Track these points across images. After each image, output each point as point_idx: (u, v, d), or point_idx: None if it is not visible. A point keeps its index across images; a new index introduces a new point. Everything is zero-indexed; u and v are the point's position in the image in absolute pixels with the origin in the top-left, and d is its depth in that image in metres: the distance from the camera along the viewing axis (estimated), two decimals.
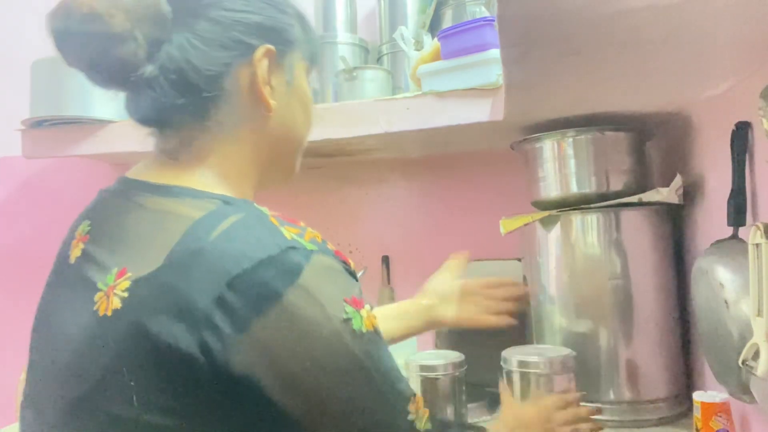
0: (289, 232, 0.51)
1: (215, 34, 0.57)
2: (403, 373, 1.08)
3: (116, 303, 0.48)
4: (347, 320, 0.51)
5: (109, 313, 0.48)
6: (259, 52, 0.59)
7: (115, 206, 0.56)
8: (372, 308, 0.55)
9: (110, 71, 0.56)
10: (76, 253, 0.54)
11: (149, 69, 0.55)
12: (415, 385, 1.07)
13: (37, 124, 1.37)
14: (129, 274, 0.49)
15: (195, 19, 0.56)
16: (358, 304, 0.53)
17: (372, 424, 0.53)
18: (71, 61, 0.56)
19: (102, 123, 1.33)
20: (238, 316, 0.46)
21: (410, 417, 0.55)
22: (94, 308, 0.49)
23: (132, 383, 0.47)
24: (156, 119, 0.59)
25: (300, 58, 0.64)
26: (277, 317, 0.47)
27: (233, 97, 0.59)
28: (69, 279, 0.55)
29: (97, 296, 0.49)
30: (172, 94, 0.56)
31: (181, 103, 0.56)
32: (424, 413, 0.57)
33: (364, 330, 0.52)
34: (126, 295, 0.48)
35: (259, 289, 0.47)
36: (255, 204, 0.55)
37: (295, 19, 0.64)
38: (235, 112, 0.59)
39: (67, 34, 0.54)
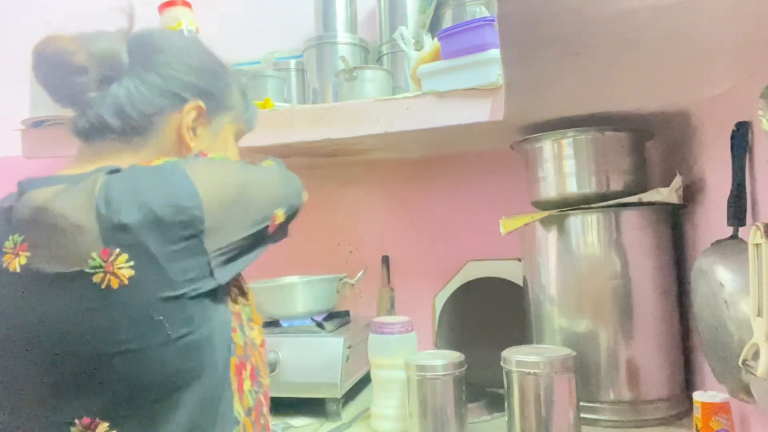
0: None
1: (158, 85, 0.73)
2: (404, 373, 1.09)
3: (129, 272, 0.58)
4: (214, 159, 0.73)
5: (126, 282, 0.58)
6: (189, 105, 0.75)
7: (41, 209, 0.63)
8: None
9: (64, 92, 0.72)
10: (20, 261, 0.61)
11: (93, 95, 0.71)
12: (414, 386, 1.07)
13: (37, 124, 1.37)
14: (117, 251, 0.58)
15: (146, 71, 0.73)
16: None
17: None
18: (39, 80, 0.72)
19: None
20: (194, 205, 0.62)
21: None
22: (102, 287, 0.58)
23: (160, 317, 0.59)
24: (98, 135, 0.72)
25: (231, 121, 0.82)
26: (207, 185, 0.65)
27: (160, 133, 0.74)
28: (24, 282, 0.61)
29: (97, 277, 0.58)
30: (114, 125, 0.71)
31: (120, 130, 0.72)
32: None
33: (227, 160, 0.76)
34: (132, 262, 0.58)
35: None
36: None
37: (235, 91, 0.82)
38: (158, 143, 0.74)
39: (41, 58, 0.70)
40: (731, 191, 0.90)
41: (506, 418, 1.04)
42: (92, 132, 0.72)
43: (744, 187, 0.89)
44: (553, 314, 1.15)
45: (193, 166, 0.66)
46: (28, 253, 0.61)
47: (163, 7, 1.57)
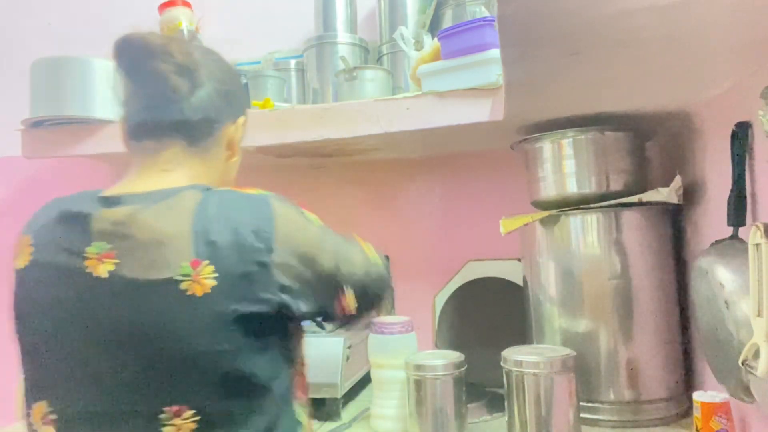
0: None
1: (225, 94, 0.81)
2: (404, 373, 1.09)
3: (211, 282, 0.65)
4: (308, 220, 0.77)
5: (209, 290, 0.65)
6: (243, 118, 0.86)
7: (131, 222, 0.69)
8: None
9: (165, 94, 0.76)
10: (106, 267, 0.67)
11: (192, 101, 0.77)
12: (414, 386, 1.07)
13: (37, 124, 1.36)
14: (205, 262, 0.65)
15: (216, 81, 0.80)
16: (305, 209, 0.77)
17: (346, 261, 0.77)
18: (126, 67, 0.76)
19: (102, 123, 1.33)
20: (268, 237, 0.68)
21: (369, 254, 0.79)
22: (188, 293, 0.65)
23: (234, 327, 0.66)
24: (167, 137, 0.77)
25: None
26: (286, 227, 0.71)
27: (218, 140, 0.81)
28: (113, 286, 0.67)
29: (185, 285, 0.65)
30: (196, 124, 0.78)
31: (197, 131, 0.78)
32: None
33: (314, 221, 0.78)
34: (216, 274, 0.65)
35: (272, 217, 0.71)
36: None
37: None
38: (216, 149, 0.82)
39: (139, 48, 0.74)
40: (731, 191, 0.90)
41: (506, 418, 1.04)
42: (170, 131, 0.77)
43: (744, 187, 0.89)
44: (553, 314, 1.15)
45: (284, 208, 0.73)
46: (116, 261, 0.67)
47: (163, 7, 1.57)
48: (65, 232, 0.71)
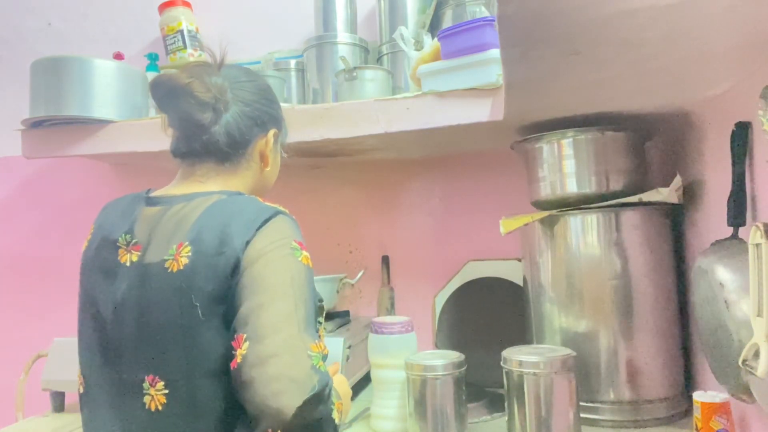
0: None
1: (252, 115, 0.88)
2: (404, 373, 1.09)
3: (185, 261, 0.74)
4: (293, 249, 0.77)
5: (181, 267, 0.74)
6: (272, 132, 0.92)
7: (158, 218, 0.80)
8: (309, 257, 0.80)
9: (191, 127, 0.85)
10: (131, 258, 0.78)
11: (216, 129, 0.85)
12: (414, 386, 1.07)
13: (37, 124, 1.37)
14: (185, 243, 0.75)
15: (243, 104, 0.87)
16: (302, 246, 0.79)
17: (278, 326, 0.71)
18: (163, 108, 0.86)
19: (101, 123, 1.33)
20: (247, 241, 0.75)
21: (310, 353, 0.72)
22: (168, 270, 0.74)
23: (197, 304, 0.73)
24: (200, 157, 0.86)
25: (281, 139, 0.97)
26: (263, 239, 0.75)
27: (249, 155, 0.89)
28: (134, 272, 0.77)
29: (167, 263, 0.75)
30: (223, 146, 0.85)
31: (225, 152, 0.86)
32: (324, 351, 0.76)
33: (300, 259, 0.77)
34: (190, 254, 0.74)
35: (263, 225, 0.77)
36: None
37: (283, 116, 0.98)
38: (248, 163, 0.89)
39: (167, 93, 0.84)
40: (731, 191, 0.90)
41: (506, 418, 1.04)
42: (202, 153, 0.86)
43: (744, 187, 0.89)
44: (553, 314, 1.15)
45: (282, 227, 0.77)
46: (139, 253, 0.78)
47: (163, 7, 1.57)
48: (114, 225, 0.83)
